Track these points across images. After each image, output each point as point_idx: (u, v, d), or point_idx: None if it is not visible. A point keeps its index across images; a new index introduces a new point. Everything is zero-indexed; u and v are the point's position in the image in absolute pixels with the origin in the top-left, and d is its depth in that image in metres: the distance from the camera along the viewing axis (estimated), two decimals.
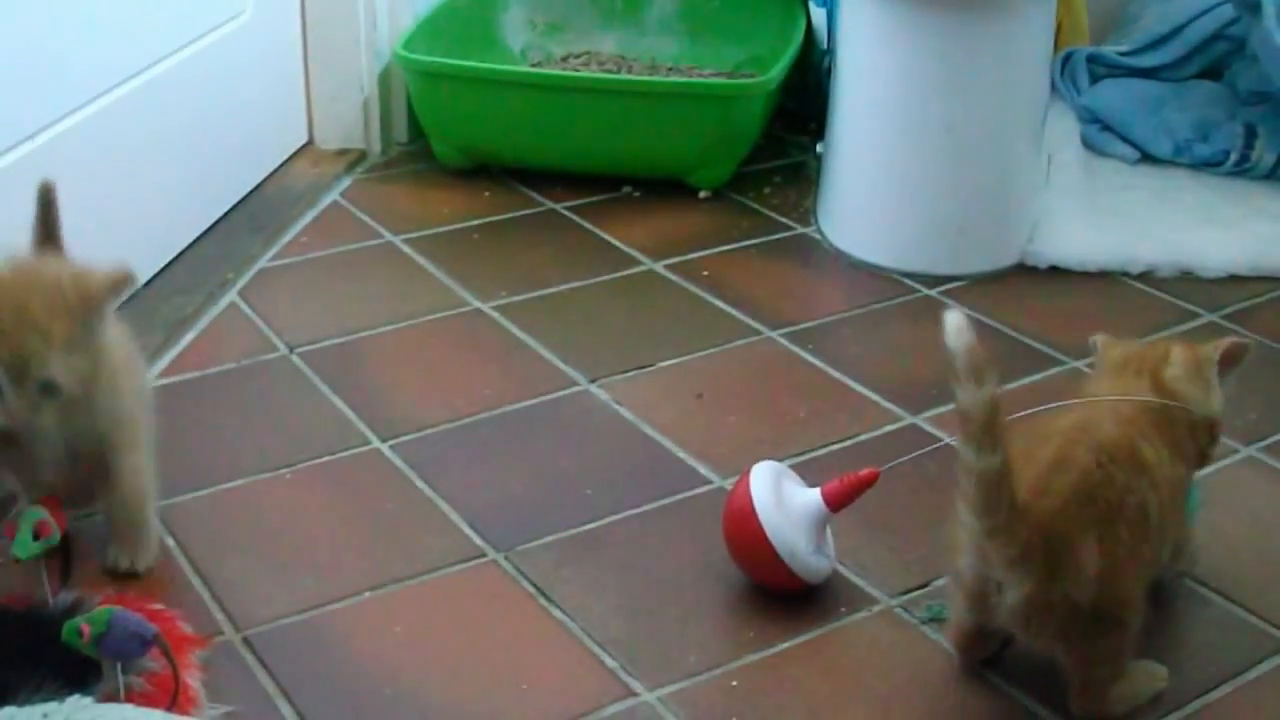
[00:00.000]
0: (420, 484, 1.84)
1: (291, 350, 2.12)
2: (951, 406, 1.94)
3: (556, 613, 1.63)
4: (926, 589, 1.67)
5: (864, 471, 1.61)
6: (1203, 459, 1.58)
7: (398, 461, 1.88)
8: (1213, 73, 2.98)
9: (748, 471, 1.66)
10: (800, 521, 1.61)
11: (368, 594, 1.65)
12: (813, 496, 1.62)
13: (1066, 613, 1.42)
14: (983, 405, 1.33)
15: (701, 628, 1.61)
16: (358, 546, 1.72)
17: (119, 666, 1.42)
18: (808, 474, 1.70)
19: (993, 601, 1.44)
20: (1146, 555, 1.46)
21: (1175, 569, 1.65)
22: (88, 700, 1.33)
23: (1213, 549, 1.73)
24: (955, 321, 1.34)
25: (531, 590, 1.66)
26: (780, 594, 1.65)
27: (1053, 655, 1.48)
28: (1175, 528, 1.56)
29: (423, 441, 1.92)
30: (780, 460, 1.71)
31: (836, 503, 1.62)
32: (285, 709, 1.49)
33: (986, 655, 1.56)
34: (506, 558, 1.71)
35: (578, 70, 2.94)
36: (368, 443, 1.92)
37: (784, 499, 1.62)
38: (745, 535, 1.63)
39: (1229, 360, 1.57)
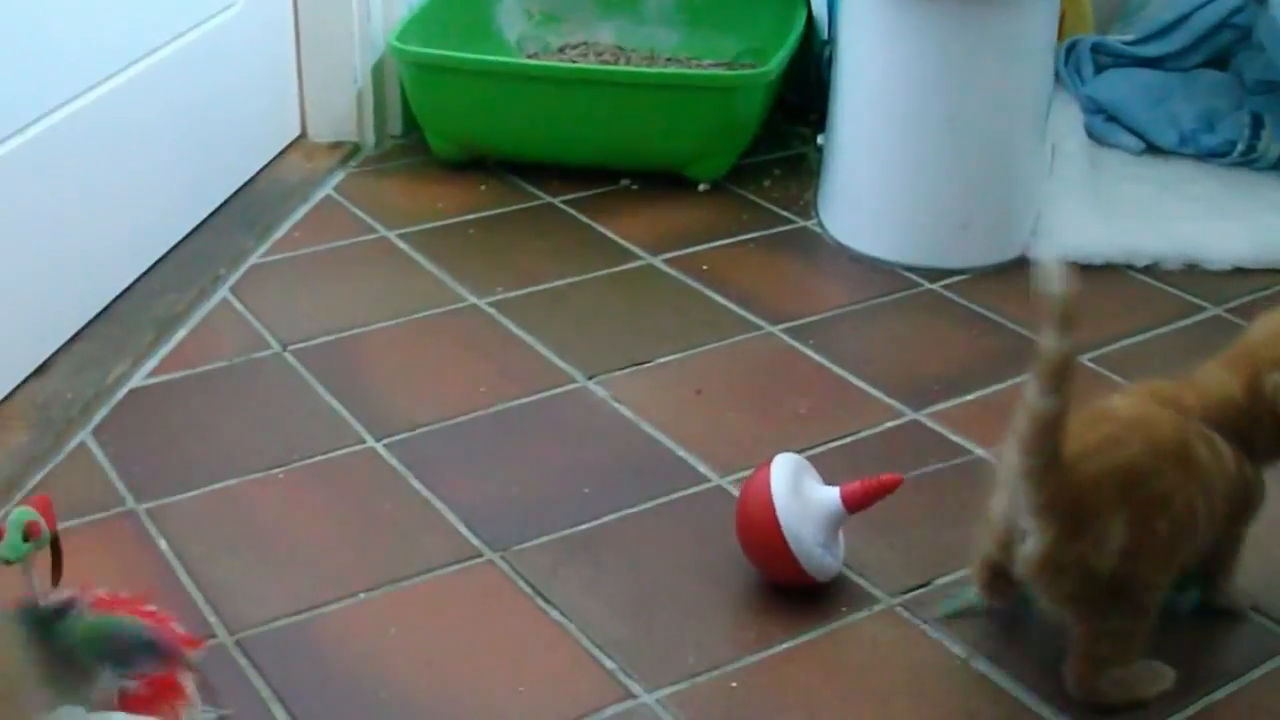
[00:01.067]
0: (416, 483, 1.82)
1: (284, 348, 2.10)
2: (956, 402, 1.95)
3: (554, 613, 1.61)
4: (928, 588, 1.65)
5: (886, 476, 1.60)
6: None
7: (393, 461, 1.86)
8: (1218, 62, 2.96)
9: (769, 461, 1.64)
10: (814, 515, 1.60)
11: (362, 595, 1.63)
12: (831, 494, 1.62)
13: (1081, 577, 1.43)
14: (1060, 352, 1.35)
15: (701, 628, 1.60)
16: (352, 547, 1.71)
17: (111, 672, 1.39)
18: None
19: (1015, 549, 1.46)
20: (1183, 553, 1.47)
21: (1217, 597, 1.63)
22: (80, 710, 1.31)
23: None
24: (1056, 268, 1.34)
25: (528, 591, 1.64)
26: (784, 589, 1.63)
27: (1063, 621, 1.48)
28: (1228, 532, 1.55)
29: (418, 440, 1.90)
30: (799, 455, 1.69)
31: (854, 504, 1.61)
32: (279, 712, 1.47)
33: (1009, 602, 1.58)
34: (503, 558, 1.69)
35: (574, 61, 2.92)
36: (362, 441, 1.90)
37: (802, 491, 1.62)
38: (758, 518, 1.62)
39: None
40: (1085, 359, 2.07)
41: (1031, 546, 1.44)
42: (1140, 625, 1.47)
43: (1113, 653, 1.48)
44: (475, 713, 1.48)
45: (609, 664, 1.54)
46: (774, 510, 1.60)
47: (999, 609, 1.60)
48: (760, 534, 1.62)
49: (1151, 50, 2.96)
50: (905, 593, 1.65)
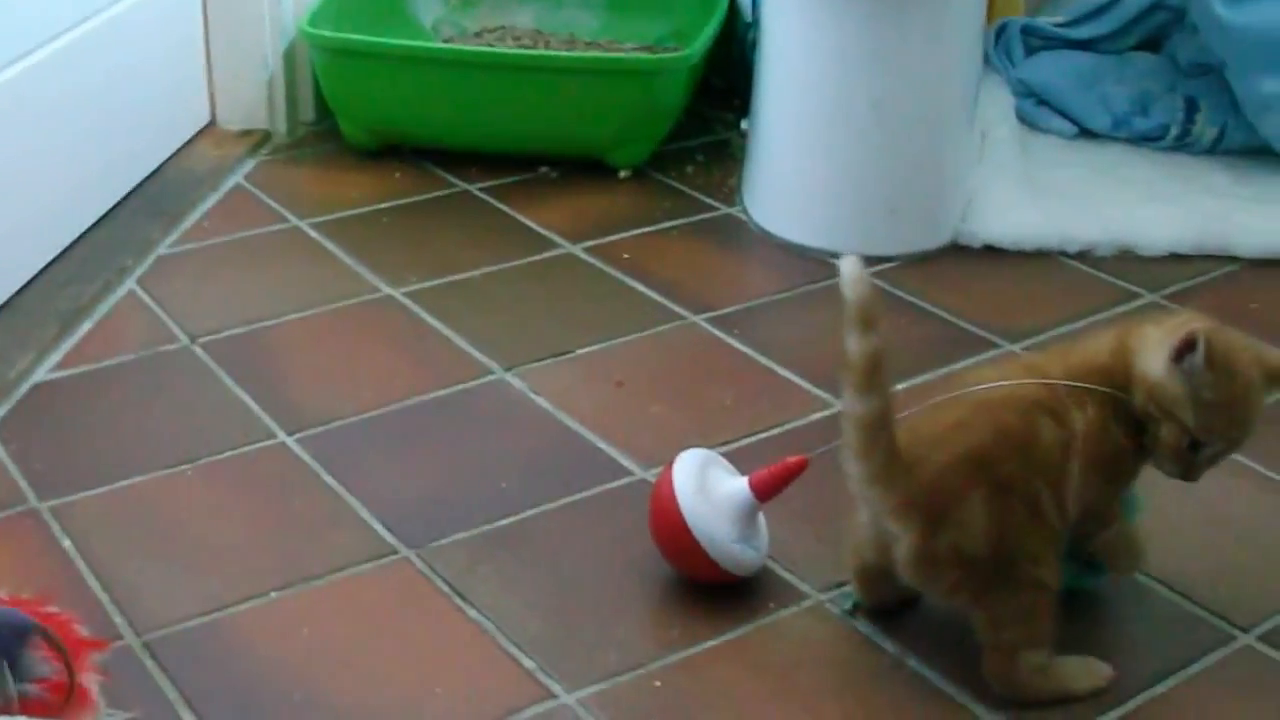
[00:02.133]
0: (328, 479, 1.78)
1: (193, 340, 2.06)
2: None
3: (471, 612, 1.57)
4: None
5: (792, 459, 1.57)
6: (1163, 441, 1.48)
7: (305, 456, 1.82)
8: (1152, 44, 2.95)
9: (673, 460, 1.61)
10: (723, 509, 1.57)
11: (274, 594, 1.59)
12: (739, 485, 1.58)
13: (960, 565, 1.42)
14: (866, 354, 1.37)
15: (623, 626, 1.56)
16: (263, 545, 1.67)
17: (9, 674, 1.34)
18: (735, 463, 1.65)
19: (890, 553, 1.45)
20: (1045, 532, 1.44)
21: (1112, 567, 1.59)
22: None
23: (1159, 540, 1.68)
24: (853, 270, 1.36)
25: (445, 589, 1.61)
26: (708, 587, 1.60)
27: (963, 614, 1.47)
28: (1099, 502, 1.51)
29: (331, 435, 1.86)
30: (706, 449, 1.66)
31: (764, 491, 1.57)
32: (187, 716, 1.44)
33: (888, 601, 1.56)
34: (419, 555, 1.65)
35: (492, 46, 2.86)
36: (273, 436, 1.86)
37: (707, 485, 1.58)
38: (666, 523, 1.58)
39: (1186, 347, 1.44)
40: (1018, 347, 2.07)
41: (903, 548, 1.43)
42: (1039, 600, 1.44)
43: (1020, 636, 1.45)
44: (389, 713, 1.44)
45: (528, 663, 1.50)
46: (681, 514, 1.56)
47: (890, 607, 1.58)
48: (673, 540, 1.59)
49: (1083, 32, 2.95)
50: (835, 588, 1.61)
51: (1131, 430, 1.47)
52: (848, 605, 1.59)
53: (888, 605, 1.57)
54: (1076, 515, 1.47)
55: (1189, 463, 1.48)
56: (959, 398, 1.47)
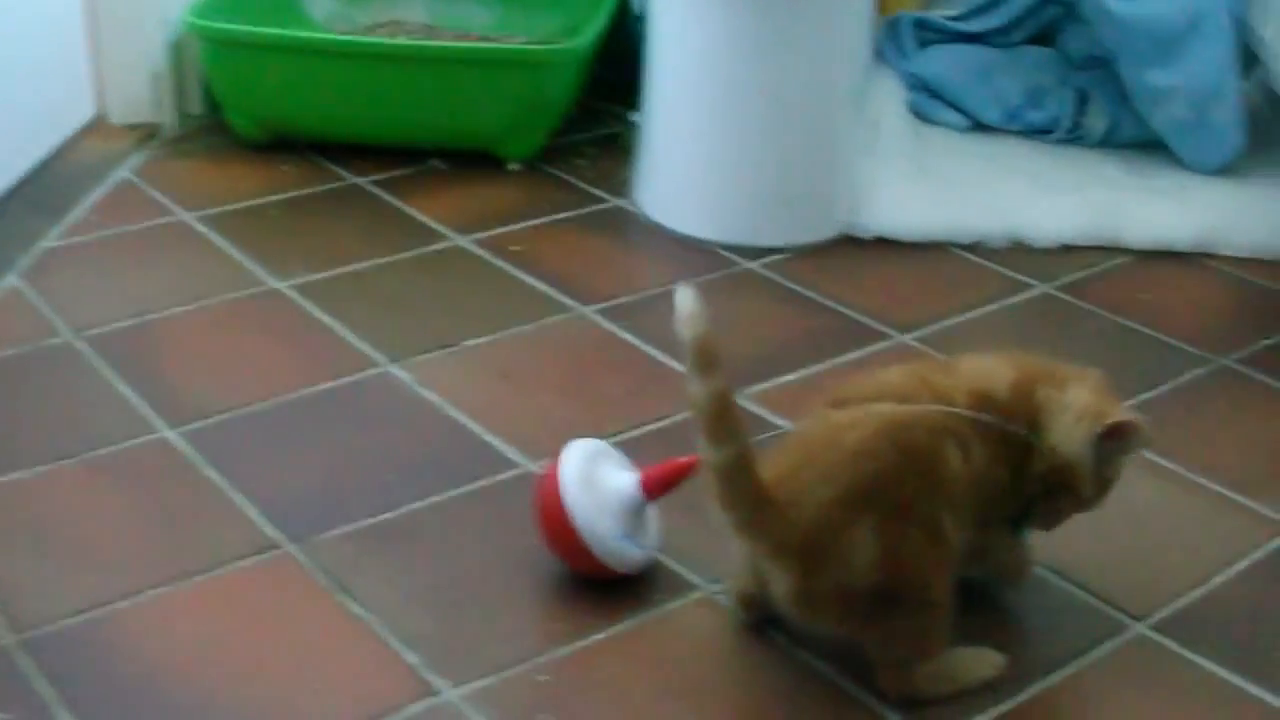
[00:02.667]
0: (211, 473, 1.75)
1: (76, 335, 2.02)
2: (775, 383, 1.91)
3: (354, 607, 1.55)
4: None
5: (682, 460, 1.54)
6: (1049, 502, 1.49)
7: (187, 450, 1.79)
8: (1043, 38, 2.96)
9: (561, 451, 1.59)
10: (611, 506, 1.55)
11: (154, 591, 1.56)
12: (628, 481, 1.56)
13: (843, 599, 1.39)
14: (711, 397, 1.32)
15: (509, 620, 1.54)
16: (143, 541, 1.63)
17: None
18: (623, 455, 1.63)
19: (769, 589, 1.43)
20: (944, 554, 1.41)
21: (1001, 579, 1.60)
22: None
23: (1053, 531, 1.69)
24: (686, 306, 1.30)
25: (327, 583, 1.58)
26: (596, 582, 1.58)
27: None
28: (993, 538, 1.52)
29: (214, 429, 1.83)
30: (598, 441, 1.64)
31: (653, 490, 1.55)
32: (64, 716, 1.40)
33: (769, 614, 1.50)
34: (302, 549, 1.63)
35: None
36: (155, 431, 1.82)
37: (595, 479, 1.56)
38: (550, 516, 1.56)
39: (1113, 435, 1.45)
40: (910, 338, 2.07)
41: (780, 587, 1.40)
42: (931, 620, 1.42)
43: (912, 652, 1.43)
44: (268, 711, 1.41)
45: (411, 659, 1.48)
46: (565, 507, 1.54)
47: None
48: (557, 534, 1.57)
49: (975, 26, 2.96)
50: (723, 580, 1.59)
51: (1012, 473, 1.46)
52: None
53: (767, 616, 1.53)
54: (968, 545, 1.46)
55: (1059, 521, 1.51)
56: (864, 416, 1.42)
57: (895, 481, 1.38)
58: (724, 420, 1.32)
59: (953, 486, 1.41)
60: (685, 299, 1.30)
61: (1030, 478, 1.46)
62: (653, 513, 1.60)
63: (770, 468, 1.40)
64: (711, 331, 1.30)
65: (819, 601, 1.40)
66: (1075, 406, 1.45)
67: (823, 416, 1.45)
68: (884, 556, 1.36)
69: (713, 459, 1.34)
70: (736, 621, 1.54)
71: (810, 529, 1.36)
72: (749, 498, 1.35)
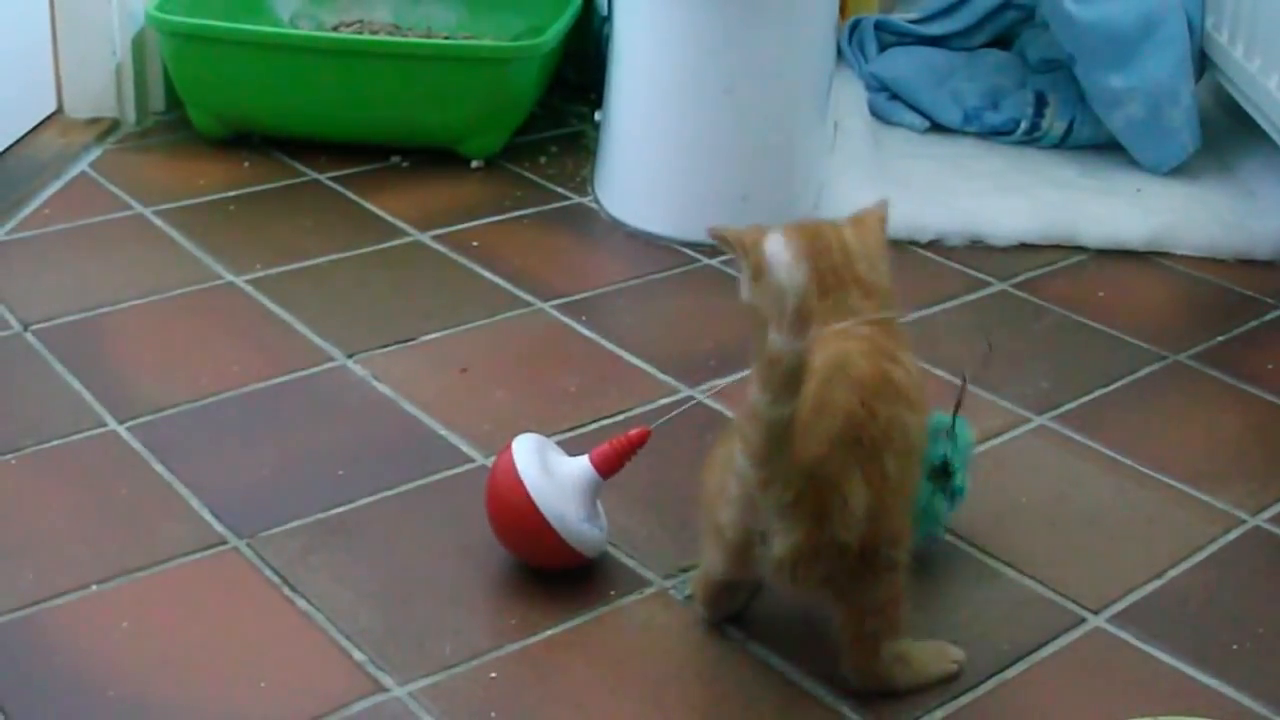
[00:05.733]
0: (158, 468, 1.73)
1: (26, 327, 2.00)
2: (732, 379, 1.90)
3: (301, 603, 1.53)
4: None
5: (633, 432, 1.55)
6: None
7: (135, 444, 1.77)
8: (1002, 41, 2.99)
9: (509, 445, 1.57)
10: (570, 491, 1.54)
11: (94, 588, 1.53)
12: (581, 464, 1.55)
13: (833, 557, 1.38)
14: (799, 354, 1.26)
15: (459, 616, 1.53)
16: (86, 536, 1.61)
17: None
18: (579, 450, 1.61)
19: (755, 554, 1.40)
20: (912, 482, 1.44)
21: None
22: None
23: (1004, 520, 1.71)
24: (784, 256, 1.23)
25: (275, 579, 1.56)
26: (548, 574, 1.57)
27: (823, 609, 1.44)
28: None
29: (163, 423, 1.81)
30: (550, 435, 1.65)
31: (607, 467, 1.55)
32: None
33: (733, 611, 1.52)
34: (249, 545, 1.61)
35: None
36: (104, 425, 1.80)
37: (550, 467, 1.55)
38: (512, 507, 1.54)
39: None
40: None
41: (782, 546, 1.37)
42: (895, 586, 1.42)
43: (881, 625, 1.43)
44: (212, 710, 1.39)
45: (359, 656, 1.46)
46: (529, 496, 1.53)
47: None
48: (519, 524, 1.55)
49: (935, 29, 2.98)
50: (678, 574, 1.59)
51: None
52: (688, 591, 1.56)
53: (731, 614, 1.53)
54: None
55: None
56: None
57: (866, 420, 1.37)
58: (798, 379, 1.27)
59: (911, 390, 1.42)
60: (778, 247, 1.23)
61: None
62: (600, 506, 1.59)
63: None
64: (810, 292, 1.25)
65: (816, 558, 1.37)
66: None
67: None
68: (873, 501, 1.37)
69: (771, 414, 1.29)
70: (697, 620, 1.53)
71: (819, 478, 1.35)
72: (785, 454, 1.32)
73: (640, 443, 1.55)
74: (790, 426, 1.31)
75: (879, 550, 1.39)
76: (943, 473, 1.56)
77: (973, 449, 1.62)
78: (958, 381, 1.61)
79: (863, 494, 1.36)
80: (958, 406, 1.58)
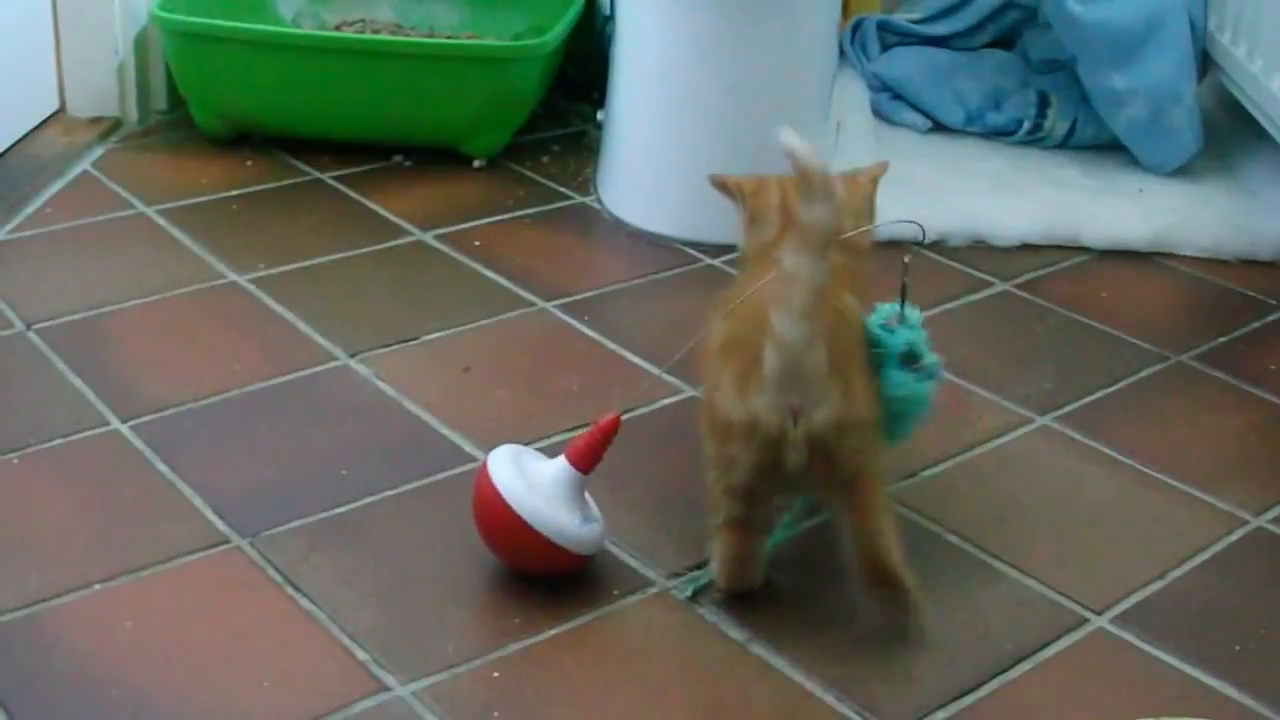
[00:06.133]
0: (161, 467, 1.72)
1: (28, 327, 2.00)
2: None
3: (304, 602, 1.52)
4: (705, 569, 1.59)
5: (603, 420, 1.54)
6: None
7: (138, 443, 1.77)
8: (1005, 41, 2.99)
9: (484, 465, 1.56)
10: (553, 494, 1.53)
11: (98, 586, 1.53)
12: (558, 463, 1.54)
13: (859, 431, 1.46)
14: (829, 220, 1.37)
15: (461, 615, 1.52)
16: (89, 535, 1.61)
17: None
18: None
19: (789, 441, 1.44)
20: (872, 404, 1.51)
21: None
22: None
23: (1007, 521, 1.71)
24: (798, 140, 1.37)
25: (278, 578, 1.56)
26: (559, 577, 1.57)
27: (835, 507, 1.50)
28: None
29: (166, 422, 1.81)
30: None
31: (584, 462, 1.54)
32: None
33: (754, 583, 1.56)
34: (252, 544, 1.61)
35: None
36: (106, 424, 1.80)
37: (529, 476, 1.54)
38: (503, 530, 1.54)
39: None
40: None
41: (824, 413, 1.43)
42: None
43: (891, 517, 1.49)
44: (215, 709, 1.38)
45: (361, 655, 1.46)
46: (514, 512, 1.52)
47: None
48: (511, 540, 1.54)
49: (938, 29, 2.97)
50: (680, 574, 1.59)
51: None
52: (689, 591, 1.56)
53: (752, 586, 1.56)
54: None
55: None
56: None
57: (845, 310, 1.51)
58: (830, 241, 1.38)
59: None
60: (796, 138, 1.37)
61: None
62: (588, 494, 1.58)
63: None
64: (824, 165, 1.37)
65: (847, 431, 1.44)
66: None
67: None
68: (869, 383, 1.49)
69: (816, 273, 1.37)
70: (695, 594, 1.55)
71: (838, 351, 1.44)
72: (823, 313, 1.40)
73: (612, 430, 1.54)
74: (825, 290, 1.40)
75: (880, 441, 1.51)
76: (911, 358, 1.56)
77: (922, 330, 1.59)
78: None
79: (863, 373, 1.48)
80: (904, 292, 1.58)
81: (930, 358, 1.56)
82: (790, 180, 1.54)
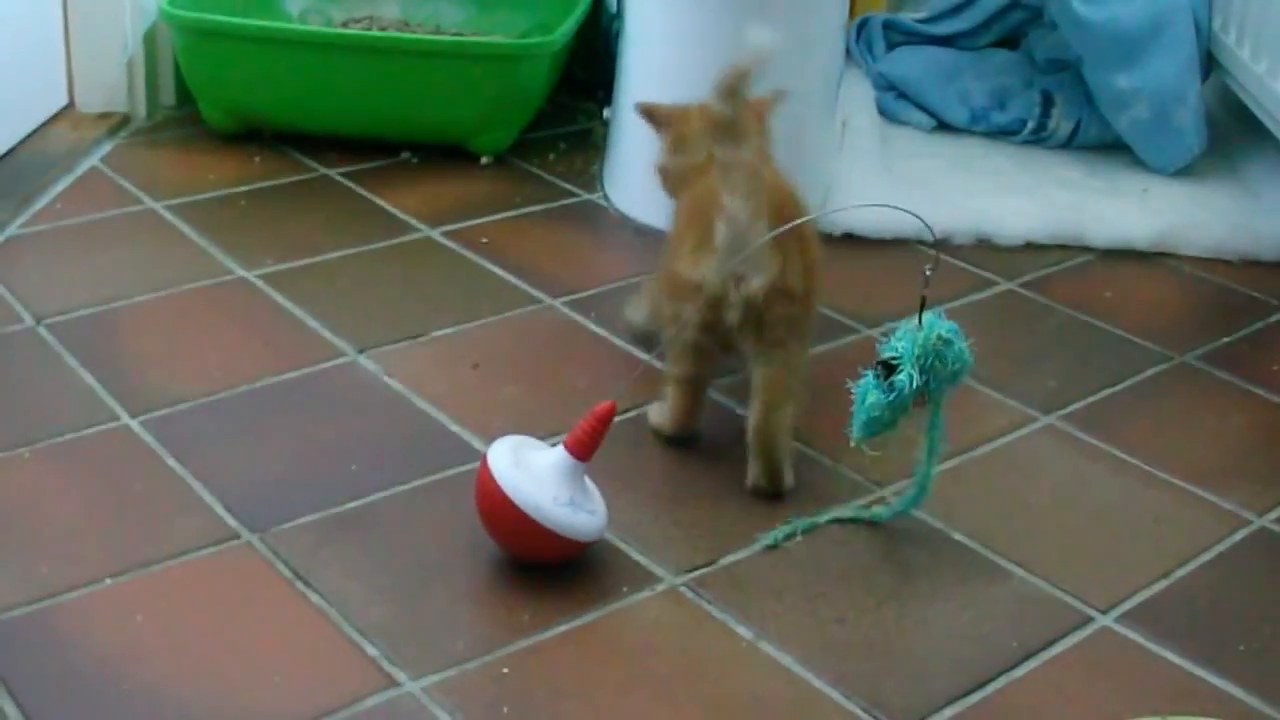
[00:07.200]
0: (171, 462, 1.73)
1: (39, 322, 2.00)
2: (742, 376, 1.91)
3: (314, 597, 1.53)
4: (714, 567, 1.60)
5: (599, 406, 1.55)
6: None
7: (148, 438, 1.77)
8: (1010, 41, 2.99)
9: (483, 459, 1.58)
10: (545, 478, 1.54)
11: (109, 581, 1.53)
12: (557, 452, 1.56)
13: (790, 300, 1.68)
14: (745, 107, 1.64)
15: (471, 611, 1.53)
16: (100, 530, 1.61)
17: None
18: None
19: (729, 301, 1.67)
20: (818, 283, 1.76)
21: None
22: None
23: (1012, 519, 1.72)
24: (763, 40, 1.64)
25: (288, 573, 1.56)
26: (559, 570, 1.57)
27: (761, 361, 1.70)
28: None
29: (176, 417, 1.81)
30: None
31: (581, 450, 1.55)
32: (9, 709, 1.37)
33: (693, 429, 1.81)
34: (262, 539, 1.61)
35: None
36: (116, 419, 1.80)
37: (526, 464, 1.55)
38: (500, 516, 1.56)
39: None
40: (878, 333, 2.06)
41: (759, 280, 1.66)
42: (806, 361, 1.75)
43: (794, 385, 1.72)
44: (225, 703, 1.39)
45: (371, 650, 1.46)
46: (508, 497, 1.53)
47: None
48: (507, 525, 1.56)
49: (943, 28, 2.98)
50: (689, 571, 1.59)
51: None
52: (654, 420, 1.77)
53: (691, 431, 1.80)
54: None
55: None
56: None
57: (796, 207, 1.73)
58: (743, 127, 1.64)
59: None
60: (763, 35, 1.63)
61: None
62: (592, 484, 1.60)
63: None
64: (743, 67, 1.65)
65: (780, 297, 1.67)
66: None
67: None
68: (803, 267, 1.70)
69: (746, 156, 1.63)
70: (706, 616, 1.54)
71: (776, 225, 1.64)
72: (762, 188, 1.64)
73: (607, 417, 1.55)
74: (758, 166, 1.64)
75: (808, 312, 1.73)
76: (886, 367, 1.56)
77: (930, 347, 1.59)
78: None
79: (797, 254, 1.68)
80: (923, 304, 1.59)
81: (906, 378, 1.56)
82: (704, 108, 1.73)
